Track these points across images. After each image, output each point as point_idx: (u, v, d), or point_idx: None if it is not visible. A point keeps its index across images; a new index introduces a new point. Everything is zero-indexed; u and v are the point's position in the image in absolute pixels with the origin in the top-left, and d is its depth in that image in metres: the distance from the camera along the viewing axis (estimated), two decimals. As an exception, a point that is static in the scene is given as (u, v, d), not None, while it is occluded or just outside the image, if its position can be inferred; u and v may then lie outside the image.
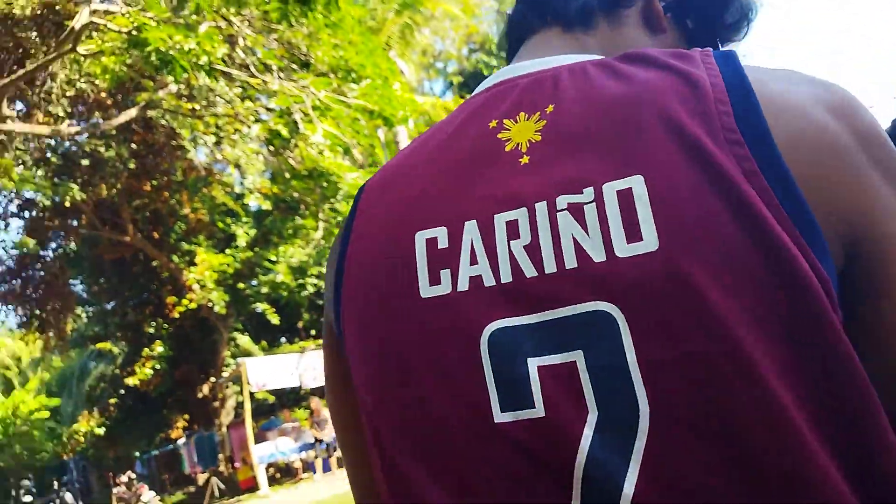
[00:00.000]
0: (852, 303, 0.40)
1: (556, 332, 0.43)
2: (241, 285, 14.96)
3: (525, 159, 0.48)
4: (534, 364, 0.43)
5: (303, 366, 13.12)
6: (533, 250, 0.44)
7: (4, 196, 14.07)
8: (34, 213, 15.09)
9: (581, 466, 0.40)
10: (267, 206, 13.91)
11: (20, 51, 10.48)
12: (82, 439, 18.55)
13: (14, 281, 15.53)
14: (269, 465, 13.13)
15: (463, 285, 0.46)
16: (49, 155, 13.21)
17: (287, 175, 7.70)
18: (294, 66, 7.22)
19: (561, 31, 0.58)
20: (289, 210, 12.81)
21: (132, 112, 10.16)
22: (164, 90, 10.10)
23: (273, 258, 15.15)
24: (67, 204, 12.43)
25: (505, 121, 0.51)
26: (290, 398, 17.40)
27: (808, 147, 0.41)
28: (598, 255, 0.42)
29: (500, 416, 0.43)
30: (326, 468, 12.74)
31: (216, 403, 16.18)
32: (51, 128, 10.64)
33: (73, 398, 23.26)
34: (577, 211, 0.44)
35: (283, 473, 14.43)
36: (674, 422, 0.39)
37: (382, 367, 0.49)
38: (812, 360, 0.37)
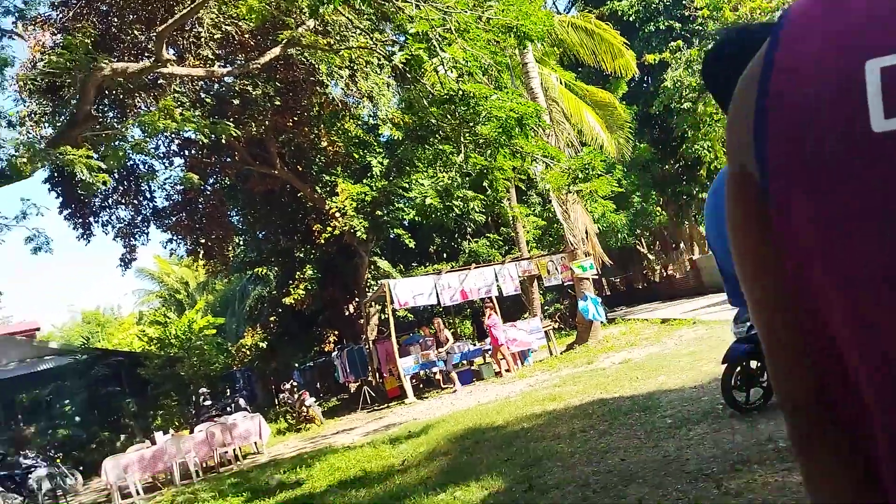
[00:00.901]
0: None
1: None
2: (378, 212, 15.78)
3: None
4: None
5: (440, 286, 13.86)
6: None
7: (166, 136, 15.42)
8: (193, 152, 16.63)
9: None
10: (399, 135, 14.39)
11: (170, -1, 11.28)
12: (248, 352, 20.96)
13: (181, 214, 17.36)
14: (412, 377, 14.21)
15: None
16: (203, 96, 14.33)
17: (425, 102, 7.94)
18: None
19: None
20: (420, 139, 13.18)
21: (275, 51, 10.74)
22: (302, 27, 10.60)
23: (406, 185, 15.78)
24: (223, 141, 13.48)
25: None
26: (426, 315, 18.45)
27: None
28: None
29: None
30: (467, 380, 13.60)
31: (361, 321, 17.51)
32: (205, 69, 11.49)
33: (236, 317, 26.07)
34: None
35: (425, 384, 15.58)
36: None
37: (838, 207, 0.48)
38: None
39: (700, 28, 18.13)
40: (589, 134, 16.61)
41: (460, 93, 6.98)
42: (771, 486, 3.73)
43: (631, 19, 21.31)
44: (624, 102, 19.86)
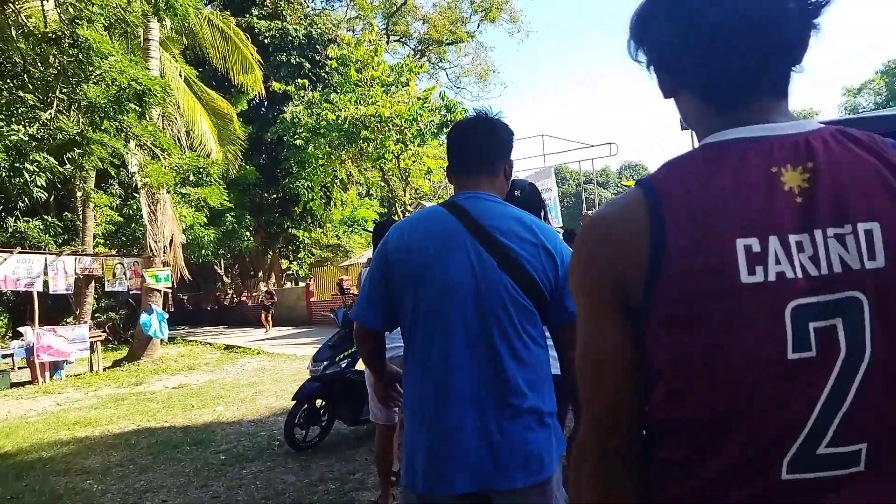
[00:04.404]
0: None
1: (827, 307, 0.72)
2: None
3: (799, 199, 0.75)
4: (812, 325, 0.72)
5: None
6: (814, 259, 0.73)
7: None
8: None
9: (834, 376, 0.73)
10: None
11: None
12: None
13: None
14: None
15: (771, 277, 0.73)
16: None
17: (13, 33, 6.11)
18: None
19: (777, 100, 0.83)
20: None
21: None
22: None
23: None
24: None
25: (781, 168, 0.76)
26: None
27: None
28: (854, 265, 0.73)
29: (791, 355, 0.72)
30: None
31: None
32: None
33: None
34: (839, 238, 0.74)
35: None
36: (885, 346, 0.73)
37: (701, 322, 0.74)
38: None
39: (326, 75, 19.19)
40: (198, 139, 15.54)
41: (71, 38, 5.54)
42: (319, 531, 3.74)
43: (266, 41, 21.29)
44: (241, 119, 19.41)
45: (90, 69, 5.51)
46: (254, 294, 26.72)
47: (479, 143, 1.79)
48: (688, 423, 0.78)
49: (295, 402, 5.43)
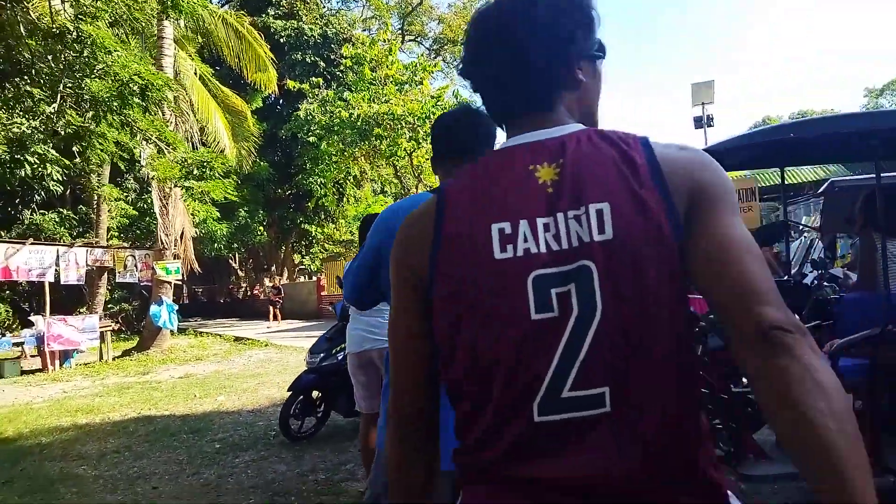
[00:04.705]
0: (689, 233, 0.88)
1: (564, 275, 0.86)
2: None
3: (550, 189, 0.90)
4: (553, 291, 0.86)
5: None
6: (556, 237, 0.87)
7: None
8: None
9: (569, 331, 0.86)
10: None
11: None
12: None
13: None
14: None
15: (519, 253, 0.88)
16: None
17: (22, 30, 6.21)
18: None
19: (541, 113, 0.99)
20: (1, 74, 10.31)
21: None
22: None
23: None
24: None
25: (538, 166, 0.92)
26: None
27: (678, 177, 0.90)
28: (586, 238, 0.86)
29: (534, 316, 0.86)
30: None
31: None
32: None
33: None
34: (576, 217, 0.87)
35: None
36: (611, 305, 0.85)
37: (471, 290, 0.89)
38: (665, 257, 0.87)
39: (340, 74, 19.27)
40: (212, 135, 15.69)
41: (75, 33, 5.62)
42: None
43: (281, 41, 21.43)
44: (255, 116, 19.55)
45: (94, 64, 5.57)
46: (263, 288, 26.91)
47: (462, 135, 1.86)
48: (462, 380, 0.91)
49: (290, 392, 5.45)
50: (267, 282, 25.79)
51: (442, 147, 1.89)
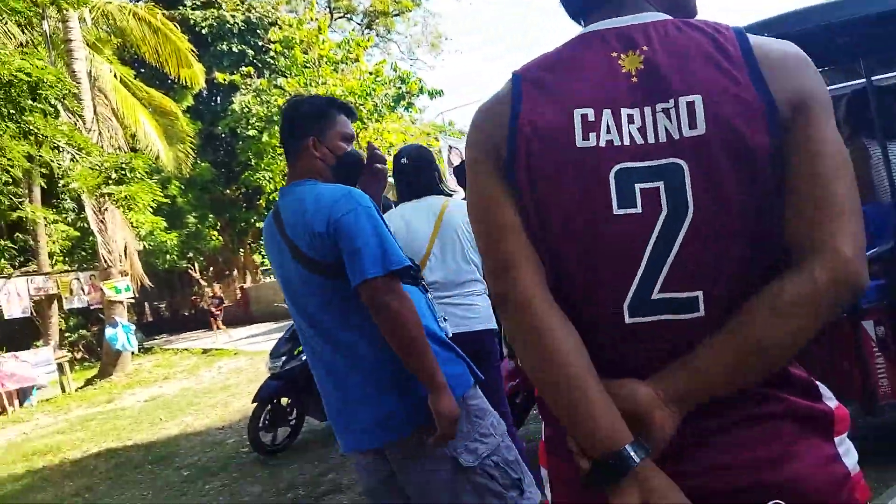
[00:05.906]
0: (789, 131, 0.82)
1: (651, 171, 0.82)
2: None
3: (634, 79, 0.85)
4: (638, 186, 0.82)
5: None
6: (642, 130, 0.83)
7: None
8: None
9: (658, 231, 0.82)
10: None
11: None
12: None
13: None
14: None
15: (602, 143, 0.84)
16: None
17: None
18: None
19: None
20: None
21: None
22: None
23: None
24: None
25: (621, 54, 0.87)
26: None
27: (780, 76, 0.82)
28: (675, 135, 0.82)
29: (616, 210, 0.83)
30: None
31: None
32: None
33: None
34: (665, 111, 0.83)
35: None
36: (703, 206, 0.81)
37: (553, 179, 0.85)
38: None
39: (271, 60, 18.45)
40: (144, 140, 14.82)
41: None
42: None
43: (203, 32, 20.36)
44: (188, 115, 18.59)
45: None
46: (230, 293, 26.07)
47: (282, 133, 1.89)
48: (548, 267, 0.88)
49: (256, 404, 5.03)
50: (208, 290, 24.55)
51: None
